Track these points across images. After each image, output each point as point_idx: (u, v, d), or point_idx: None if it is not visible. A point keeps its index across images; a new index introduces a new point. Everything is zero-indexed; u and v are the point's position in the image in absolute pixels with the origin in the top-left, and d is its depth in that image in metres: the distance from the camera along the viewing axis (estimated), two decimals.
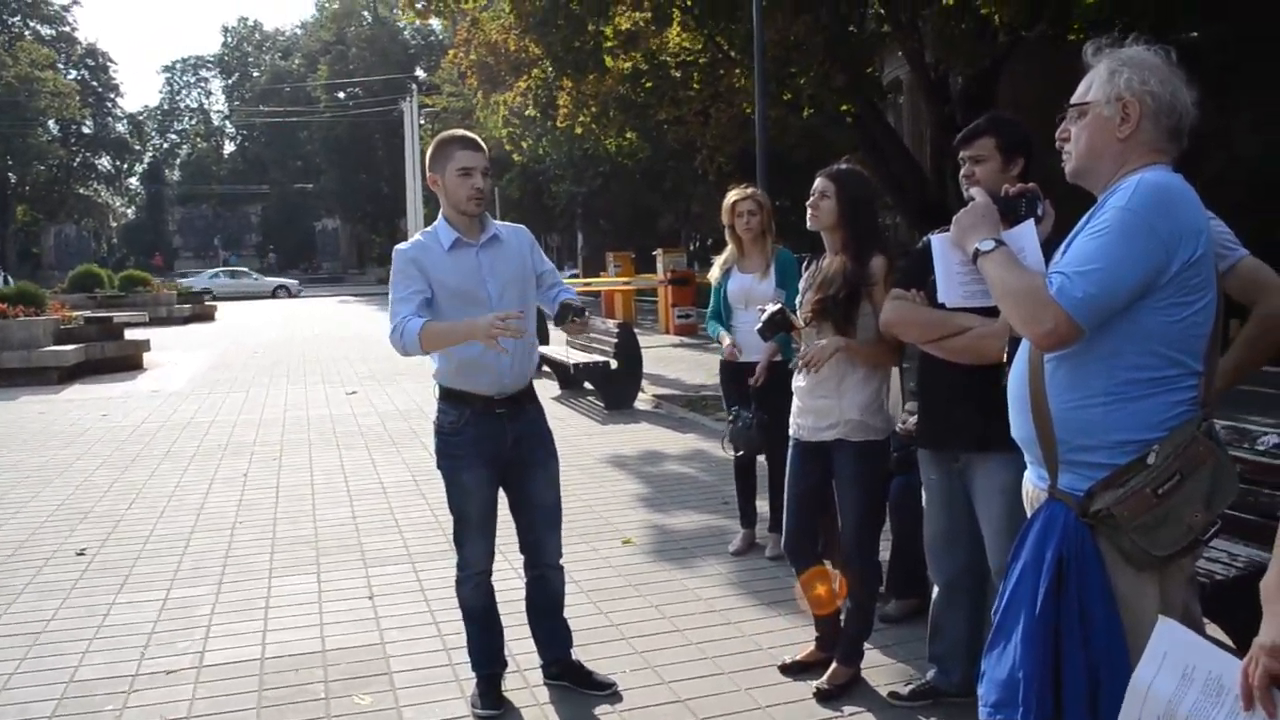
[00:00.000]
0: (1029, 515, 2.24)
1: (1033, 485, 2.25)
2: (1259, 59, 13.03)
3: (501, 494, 3.58)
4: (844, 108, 15.33)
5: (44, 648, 4.21)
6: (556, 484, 3.65)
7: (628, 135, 19.43)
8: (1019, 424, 2.22)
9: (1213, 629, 3.39)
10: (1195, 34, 10.72)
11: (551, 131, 27.05)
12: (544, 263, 3.65)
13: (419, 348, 3.28)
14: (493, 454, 3.47)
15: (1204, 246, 2.01)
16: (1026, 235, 2.25)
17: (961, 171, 3.08)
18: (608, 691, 3.62)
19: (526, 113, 25.34)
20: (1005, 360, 2.47)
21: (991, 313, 2.68)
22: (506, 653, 3.69)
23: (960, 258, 2.52)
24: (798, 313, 3.63)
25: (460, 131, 3.51)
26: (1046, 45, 13.34)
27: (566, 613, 3.76)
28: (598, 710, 3.53)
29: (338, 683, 3.79)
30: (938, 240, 2.70)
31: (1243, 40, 12.70)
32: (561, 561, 3.70)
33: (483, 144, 3.48)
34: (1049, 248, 2.24)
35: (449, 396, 3.49)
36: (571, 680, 3.68)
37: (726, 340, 5.10)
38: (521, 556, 3.71)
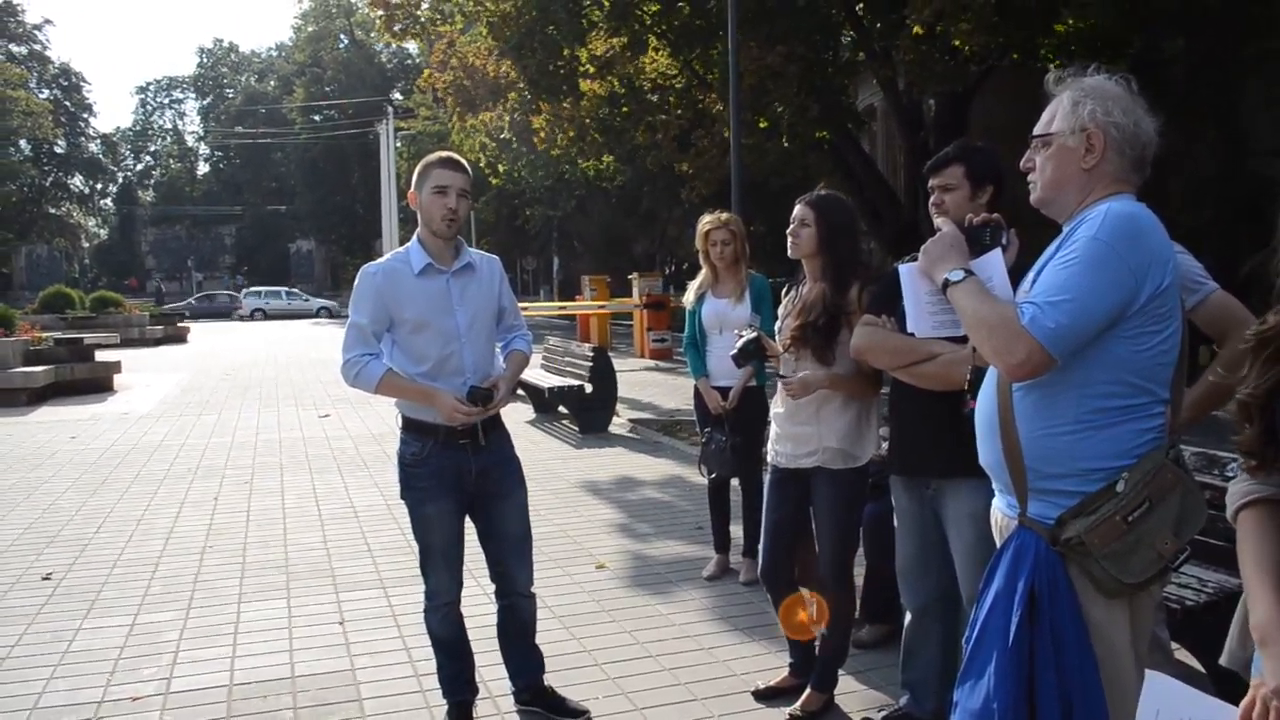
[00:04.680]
0: (998, 543, 2.24)
1: (1001, 513, 2.25)
2: (1222, 80, 13.26)
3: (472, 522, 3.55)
4: (819, 135, 15.46)
5: (7, 674, 4.14)
6: (525, 514, 3.59)
7: (605, 159, 19.50)
8: (987, 452, 2.23)
9: (1183, 654, 3.42)
10: (1161, 52, 10.92)
11: (528, 155, 27.15)
12: (507, 297, 3.59)
13: (371, 391, 3.33)
14: (456, 486, 3.41)
15: (1170, 275, 2.03)
16: (994, 264, 2.26)
17: (931, 200, 3.10)
18: (580, 718, 3.60)
19: (502, 135, 25.41)
20: (967, 389, 2.48)
21: (962, 340, 2.70)
22: (478, 679, 3.65)
23: (929, 288, 2.53)
24: (775, 338, 3.64)
25: (446, 153, 3.47)
26: (1019, 71, 13.53)
27: (539, 638, 3.73)
28: None
29: (307, 710, 3.74)
30: (906, 270, 2.71)
31: (1206, 62, 12.92)
32: (533, 589, 3.66)
33: (466, 165, 3.44)
34: (1015, 276, 2.25)
35: (411, 427, 3.43)
36: (544, 706, 3.65)
37: (714, 400, 5.01)
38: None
